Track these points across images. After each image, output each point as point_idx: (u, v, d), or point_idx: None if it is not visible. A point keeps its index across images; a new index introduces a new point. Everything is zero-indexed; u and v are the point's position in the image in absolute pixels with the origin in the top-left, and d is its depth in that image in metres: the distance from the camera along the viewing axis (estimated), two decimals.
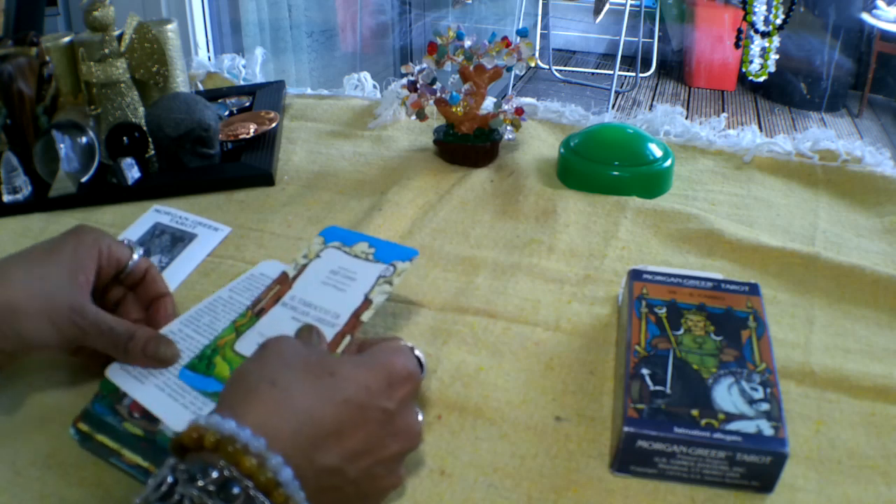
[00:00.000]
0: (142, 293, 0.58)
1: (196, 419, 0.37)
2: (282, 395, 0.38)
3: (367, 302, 0.53)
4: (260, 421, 0.37)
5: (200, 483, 0.34)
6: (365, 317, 0.52)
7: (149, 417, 0.50)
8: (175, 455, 0.37)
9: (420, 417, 0.45)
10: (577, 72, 4.23)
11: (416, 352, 0.46)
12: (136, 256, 0.56)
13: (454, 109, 0.90)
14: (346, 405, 0.40)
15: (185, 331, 0.55)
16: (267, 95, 1.08)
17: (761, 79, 0.98)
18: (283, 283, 0.57)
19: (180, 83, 0.96)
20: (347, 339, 0.51)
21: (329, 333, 0.51)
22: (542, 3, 3.93)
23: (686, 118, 1.01)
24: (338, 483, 0.40)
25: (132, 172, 0.86)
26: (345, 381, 0.40)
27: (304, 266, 0.57)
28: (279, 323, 0.53)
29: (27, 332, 0.48)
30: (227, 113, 1.04)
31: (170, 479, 0.35)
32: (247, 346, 0.53)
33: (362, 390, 0.41)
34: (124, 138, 0.87)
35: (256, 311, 0.55)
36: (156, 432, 0.49)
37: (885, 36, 3.51)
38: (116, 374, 0.52)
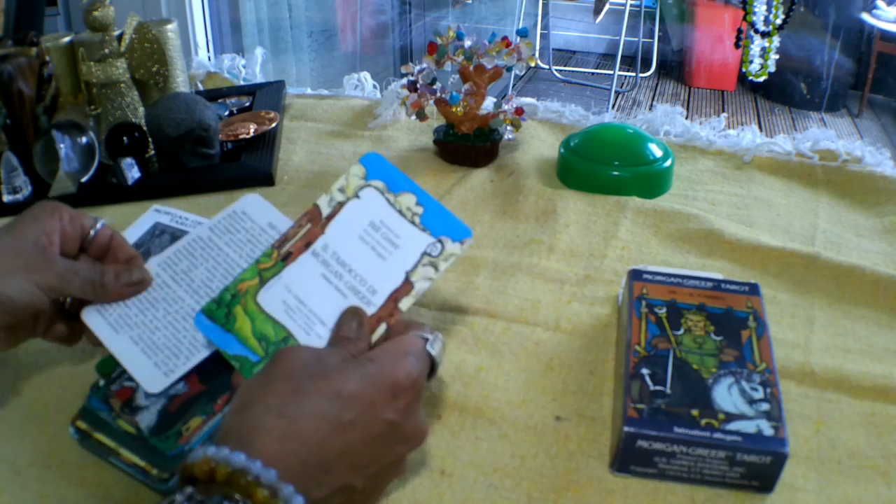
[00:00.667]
0: (111, 262, 0.57)
1: (206, 451, 0.38)
2: (290, 427, 0.39)
3: (407, 284, 0.48)
4: (269, 452, 0.38)
5: None
6: (404, 304, 0.48)
7: (131, 409, 0.50)
8: (183, 483, 0.38)
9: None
10: (577, 72, 4.22)
11: (428, 347, 0.45)
12: (99, 225, 0.57)
13: (454, 109, 0.90)
14: (353, 426, 0.40)
15: (161, 276, 0.54)
16: (267, 95, 1.08)
17: (761, 79, 0.98)
18: (315, 221, 0.50)
19: (180, 83, 0.96)
20: (383, 327, 0.48)
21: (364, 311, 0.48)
22: (542, 3, 3.93)
23: (686, 118, 1.01)
24: (347, 496, 0.41)
25: (132, 172, 0.86)
26: (350, 401, 0.41)
27: (341, 205, 0.51)
28: (308, 280, 0.49)
29: (8, 294, 0.49)
30: (227, 113, 1.04)
31: None
32: (271, 300, 0.49)
33: (367, 408, 0.41)
34: (124, 138, 0.87)
35: (283, 255, 0.50)
36: (144, 430, 0.49)
37: (885, 36, 3.51)
38: (91, 316, 0.53)
